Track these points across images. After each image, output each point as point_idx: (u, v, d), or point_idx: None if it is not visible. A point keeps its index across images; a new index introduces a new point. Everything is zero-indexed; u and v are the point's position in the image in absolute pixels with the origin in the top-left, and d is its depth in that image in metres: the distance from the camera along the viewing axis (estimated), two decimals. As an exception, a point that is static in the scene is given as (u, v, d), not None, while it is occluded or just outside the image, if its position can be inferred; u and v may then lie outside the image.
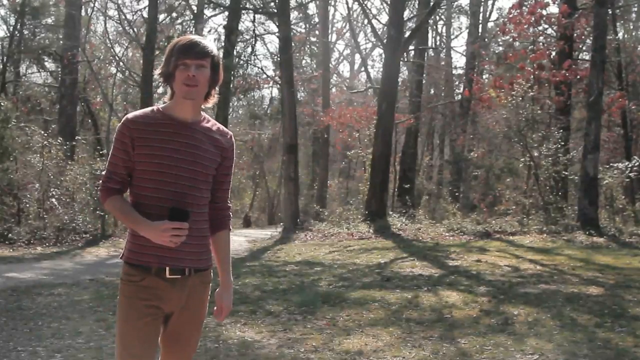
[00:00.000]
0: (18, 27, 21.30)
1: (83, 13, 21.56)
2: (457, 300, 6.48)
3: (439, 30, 31.24)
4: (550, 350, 4.67)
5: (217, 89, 2.47)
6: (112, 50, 22.02)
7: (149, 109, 2.44)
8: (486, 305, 6.21)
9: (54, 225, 13.64)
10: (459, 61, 50.43)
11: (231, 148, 2.52)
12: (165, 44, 19.88)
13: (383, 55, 18.77)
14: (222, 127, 2.53)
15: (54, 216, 13.89)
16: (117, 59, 22.05)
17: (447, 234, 12.74)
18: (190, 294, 2.41)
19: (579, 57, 18.97)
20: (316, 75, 27.57)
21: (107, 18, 22.00)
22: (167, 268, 2.34)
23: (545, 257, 9.21)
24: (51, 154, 14.64)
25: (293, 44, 21.27)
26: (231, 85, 21.68)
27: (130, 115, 2.42)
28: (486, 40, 24.76)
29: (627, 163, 13.80)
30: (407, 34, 17.28)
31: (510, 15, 16.45)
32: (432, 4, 18.49)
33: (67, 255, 11.59)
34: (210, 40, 2.44)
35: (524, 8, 16.07)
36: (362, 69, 34.33)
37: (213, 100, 2.47)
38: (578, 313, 5.83)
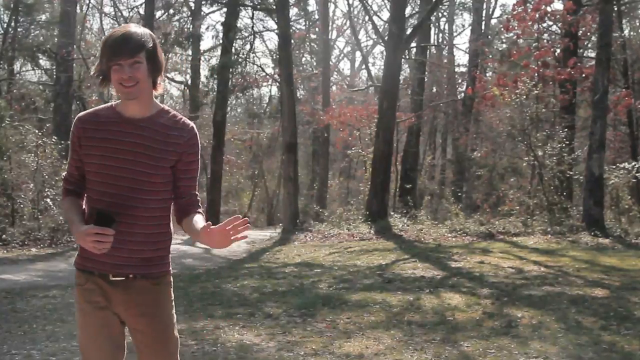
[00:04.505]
0: (12, 24, 21.19)
1: (78, 10, 21.45)
2: (459, 302, 6.43)
3: (442, 28, 31.33)
4: (555, 354, 4.63)
5: (163, 74, 2.33)
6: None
7: (104, 106, 2.34)
8: (489, 308, 6.15)
9: (48, 226, 13.48)
10: (461, 59, 49.95)
11: (189, 142, 2.31)
12: (163, 41, 19.76)
13: (384, 53, 18.67)
14: (181, 119, 2.34)
15: (48, 217, 13.72)
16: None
17: (449, 235, 12.63)
18: (141, 298, 2.30)
19: (584, 55, 18.82)
20: (316, 73, 27.45)
21: (103, 15, 21.91)
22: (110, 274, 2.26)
23: (550, 259, 9.14)
24: (46, 154, 14.45)
25: (292, 41, 21.18)
26: (229, 83, 21.58)
27: (81, 113, 2.34)
28: (489, 37, 24.68)
29: (633, 163, 13.72)
30: (409, 31, 17.17)
31: (514, 12, 16.33)
32: (434, 0, 18.34)
33: (61, 256, 11.50)
34: (142, 27, 2.25)
35: (528, 5, 15.96)
36: (363, 66, 34.31)
37: (162, 87, 2.33)
38: (583, 315, 5.78)
